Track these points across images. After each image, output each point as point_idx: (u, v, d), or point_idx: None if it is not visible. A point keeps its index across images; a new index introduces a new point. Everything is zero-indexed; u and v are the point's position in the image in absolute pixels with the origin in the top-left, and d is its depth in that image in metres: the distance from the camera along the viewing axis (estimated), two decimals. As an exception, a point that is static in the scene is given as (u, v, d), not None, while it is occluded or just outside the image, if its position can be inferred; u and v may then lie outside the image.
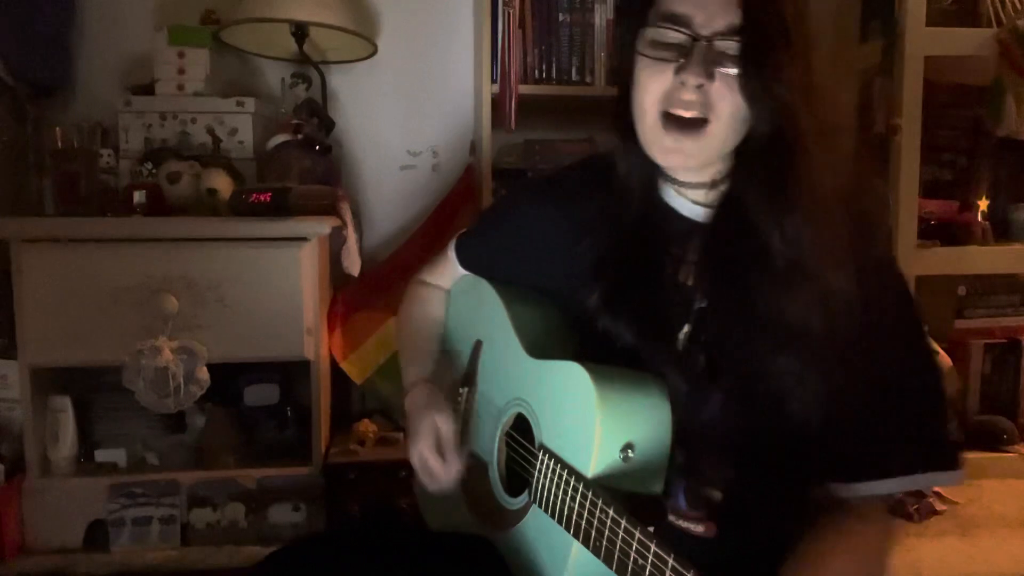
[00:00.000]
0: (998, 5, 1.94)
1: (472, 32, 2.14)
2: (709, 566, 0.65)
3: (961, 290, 2.12)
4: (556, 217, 0.97)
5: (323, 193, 1.75)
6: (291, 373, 1.80)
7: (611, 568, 0.73)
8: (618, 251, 0.89)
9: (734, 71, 0.78)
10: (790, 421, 0.81)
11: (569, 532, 0.79)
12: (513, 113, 1.90)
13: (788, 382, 0.80)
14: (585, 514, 0.76)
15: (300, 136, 1.84)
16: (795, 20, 0.78)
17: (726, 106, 0.79)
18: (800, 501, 0.85)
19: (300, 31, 1.89)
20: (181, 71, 1.87)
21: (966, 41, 1.92)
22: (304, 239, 1.64)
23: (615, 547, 0.73)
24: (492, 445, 0.97)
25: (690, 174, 0.87)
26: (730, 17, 0.78)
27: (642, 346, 0.85)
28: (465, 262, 1.10)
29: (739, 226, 0.82)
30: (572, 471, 0.79)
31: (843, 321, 0.79)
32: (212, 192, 1.68)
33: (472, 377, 1.05)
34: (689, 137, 0.80)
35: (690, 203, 0.88)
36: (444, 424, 0.96)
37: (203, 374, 1.58)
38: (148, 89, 1.88)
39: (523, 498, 0.89)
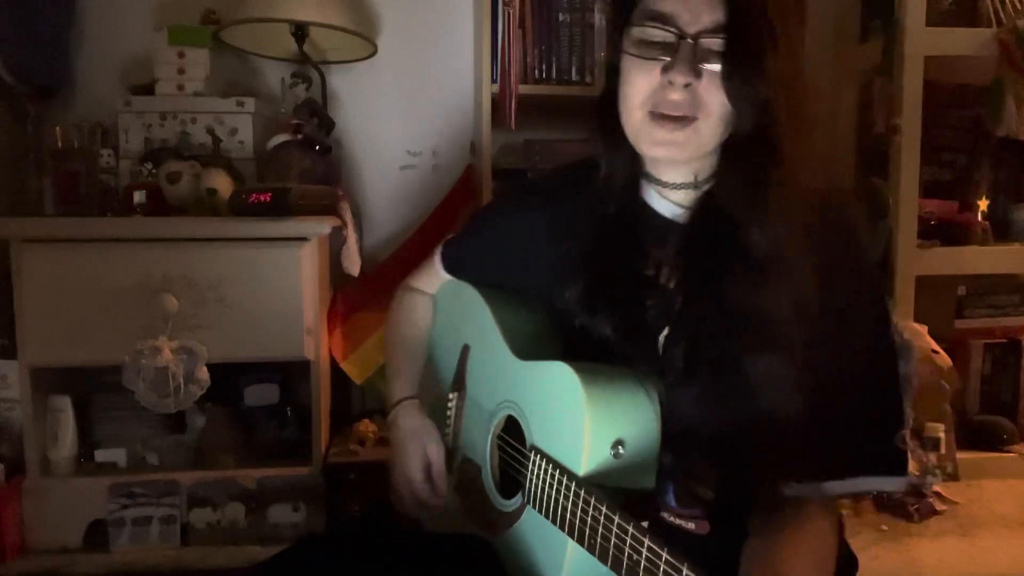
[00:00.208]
0: (998, 5, 1.94)
1: (472, 32, 2.14)
2: (703, 562, 0.65)
3: (961, 290, 2.12)
4: (539, 220, 0.97)
5: (323, 193, 1.75)
6: (291, 373, 1.80)
7: (607, 565, 0.73)
8: (598, 251, 0.89)
9: (720, 68, 0.78)
10: (770, 419, 0.81)
11: (564, 531, 0.79)
12: (513, 113, 1.90)
13: (766, 380, 0.80)
14: (579, 512, 0.77)
15: (300, 136, 1.84)
16: (780, 16, 0.78)
17: (715, 103, 0.79)
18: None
19: (300, 31, 1.89)
20: (181, 71, 1.87)
21: (966, 41, 1.92)
22: (304, 239, 1.64)
23: (609, 544, 0.73)
24: (484, 448, 0.97)
25: (675, 173, 0.87)
26: (715, 14, 0.78)
27: (624, 348, 0.85)
28: (450, 268, 1.11)
29: (717, 226, 0.82)
30: (564, 470, 0.80)
31: (817, 319, 0.80)
32: (212, 192, 1.68)
33: (461, 382, 1.06)
34: (679, 130, 0.80)
35: (672, 205, 0.88)
36: (435, 452, 1.01)
37: (203, 374, 1.58)
38: (148, 89, 1.88)
39: (517, 500, 0.89)
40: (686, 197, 0.87)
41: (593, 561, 0.75)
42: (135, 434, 1.72)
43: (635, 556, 0.70)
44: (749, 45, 0.77)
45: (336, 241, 1.86)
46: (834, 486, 0.84)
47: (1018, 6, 1.94)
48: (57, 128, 1.74)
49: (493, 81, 1.93)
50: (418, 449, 1.02)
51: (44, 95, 1.94)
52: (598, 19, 1.99)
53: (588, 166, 0.93)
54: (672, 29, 0.79)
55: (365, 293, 1.92)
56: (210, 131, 1.85)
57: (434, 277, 1.14)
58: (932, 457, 1.81)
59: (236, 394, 1.80)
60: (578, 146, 2.17)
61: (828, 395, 0.81)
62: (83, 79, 2.02)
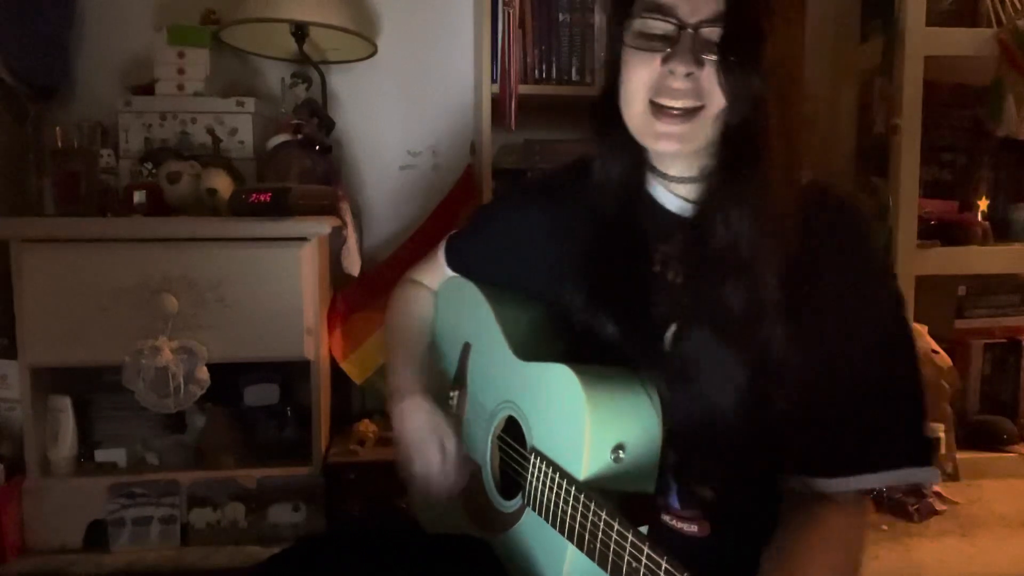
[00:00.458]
0: (998, 5, 1.94)
1: (472, 32, 2.14)
2: (703, 565, 0.65)
3: (961, 290, 2.12)
4: (542, 219, 0.97)
5: (323, 193, 1.75)
6: (291, 373, 1.80)
7: (606, 571, 0.73)
8: (603, 249, 0.89)
9: (718, 57, 0.78)
10: (779, 416, 0.81)
11: (563, 535, 0.79)
12: (513, 113, 1.90)
13: (771, 378, 0.80)
14: (579, 517, 0.76)
15: (300, 136, 1.84)
16: (781, 9, 0.78)
17: (717, 92, 0.79)
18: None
19: (300, 31, 1.89)
20: (181, 71, 1.87)
21: (966, 41, 1.92)
22: (304, 239, 1.64)
23: (609, 550, 0.73)
24: (484, 448, 0.97)
25: (679, 166, 0.86)
26: (715, 4, 0.78)
27: (628, 345, 0.85)
28: (453, 264, 1.11)
29: (724, 220, 0.82)
30: (564, 474, 0.79)
31: (829, 312, 0.79)
32: (212, 192, 1.68)
33: (462, 380, 1.05)
34: (682, 123, 0.80)
35: (678, 199, 0.88)
36: (451, 445, 0.98)
37: (203, 374, 1.58)
38: (148, 89, 1.88)
39: (517, 501, 0.89)
40: (692, 191, 0.87)
41: (592, 566, 0.75)
42: (135, 434, 1.72)
43: (634, 564, 0.69)
44: (748, 34, 0.76)
45: (336, 241, 1.86)
46: (861, 480, 0.83)
47: (1018, 6, 1.93)
48: (57, 128, 1.74)
49: (493, 81, 1.93)
50: (435, 443, 0.99)
51: (44, 95, 1.94)
52: (598, 19, 1.99)
53: (591, 164, 0.93)
54: (672, 20, 0.79)
55: (365, 293, 1.92)
56: (210, 131, 1.85)
57: (437, 271, 1.14)
58: (936, 445, 1.81)
59: (236, 394, 1.80)
60: (578, 146, 2.19)
61: (847, 388, 0.81)
62: (83, 79, 2.02)
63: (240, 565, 1.54)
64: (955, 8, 1.98)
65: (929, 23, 1.90)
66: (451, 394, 1.07)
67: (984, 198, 2.07)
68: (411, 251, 1.97)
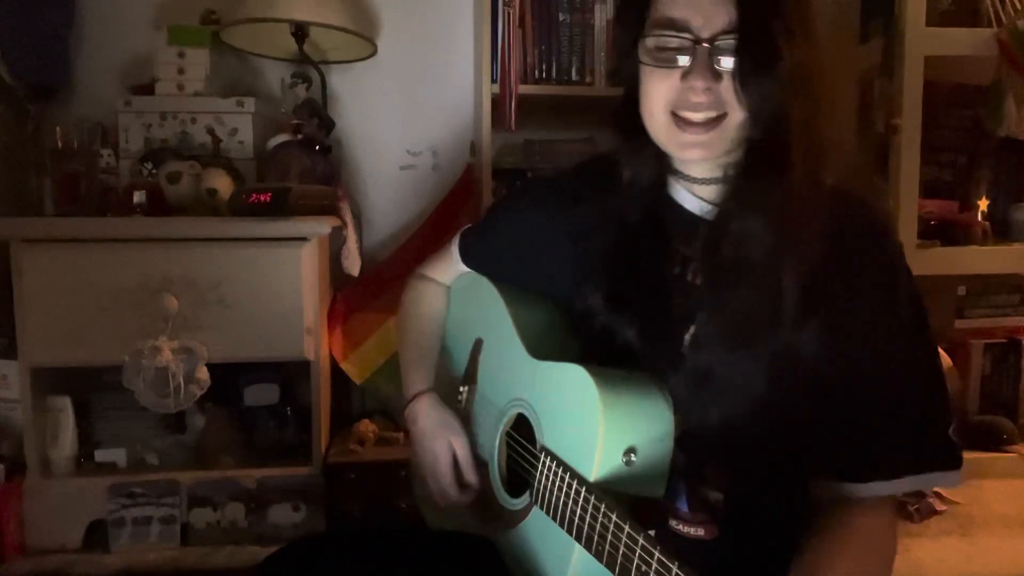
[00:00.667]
0: (998, 5, 1.94)
1: (472, 32, 2.14)
2: (709, 569, 0.65)
3: (961, 290, 2.12)
4: (559, 219, 0.96)
5: (323, 193, 1.75)
6: (291, 373, 1.80)
7: (614, 573, 0.73)
8: (623, 249, 0.89)
9: (735, 68, 0.78)
10: (792, 423, 0.81)
11: (571, 535, 0.79)
12: (513, 113, 1.90)
13: (790, 383, 0.80)
14: (588, 518, 0.76)
15: (300, 136, 1.84)
16: (795, 12, 0.78)
17: (738, 101, 0.79)
18: (802, 503, 0.85)
19: (300, 31, 1.89)
20: (181, 71, 1.87)
21: (966, 41, 1.92)
22: (304, 239, 1.64)
23: (618, 552, 0.72)
24: (492, 444, 0.97)
25: (704, 168, 0.86)
26: (728, 15, 0.77)
27: (646, 347, 0.85)
28: (467, 259, 1.10)
29: (746, 222, 0.82)
30: (574, 474, 0.79)
31: (851, 316, 0.79)
32: (212, 192, 1.68)
33: (472, 376, 1.05)
34: (706, 132, 0.80)
35: (699, 200, 0.88)
36: (461, 448, 0.99)
37: (203, 374, 1.58)
38: (148, 89, 1.88)
39: (524, 499, 0.89)
40: (715, 192, 0.87)
41: (599, 567, 0.75)
42: (135, 434, 1.72)
43: (644, 568, 0.69)
44: (764, 43, 0.76)
45: (336, 241, 1.86)
46: (897, 484, 0.84)
47: (1018, 6, 1.93)
48: (57, 128, 1.74)
49: (493, 81, 1.93)
50: (445, 444, 1.00)
51: (44, 95, 1.94)
52: (598, 19, 1.99)
53: (605, 164, 0.93)
54: (687, 35, 0.78)
55: (365, 293, 1.92)
56: (210, 131, 1.85)
57: (450, 267, 1.13)
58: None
59: (236, 394, 1.80)
60: (578, 146, 2.19)
61: (875, 395, 0.81)
62: (83, 79, 2.02)
63: (240, 565, 1.54)
64: (955, 8, 1.98)
65: (929, 23, 1.90)
66: (460, 389, 1.07)
67: (984, 198, 2.07)
68: (411, 251, 1.97)
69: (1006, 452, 1.98)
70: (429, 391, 1.06)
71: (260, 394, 1.81)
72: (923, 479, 0.85)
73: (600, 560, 0.75)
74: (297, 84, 1.97)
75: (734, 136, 0.81)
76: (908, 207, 1.92)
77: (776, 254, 0.80)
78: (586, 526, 0.77)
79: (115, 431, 1.72)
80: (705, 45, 0.77)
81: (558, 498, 0.81)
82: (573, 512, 0.78)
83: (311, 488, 1.65)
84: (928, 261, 1.94)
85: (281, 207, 1.57)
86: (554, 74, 1.98)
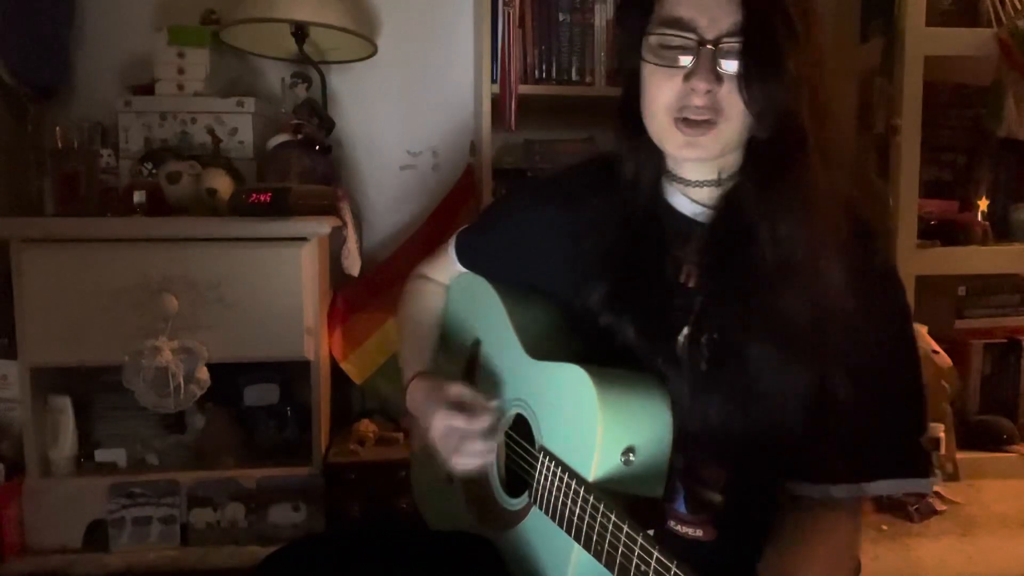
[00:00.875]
0: (998, 5, 1.94)
1: (472, 32, 2.14)
2: (709, 570, 0.65)
3: (961, 290, 2.12)
4: (557, 219, 0.96)
5: (323, 193, 1.75)
6: (291, 373, 1.80)
7: (613, 573, 0.73)
8: (620, 250, 0.89)
9: (738, 72, 0.78)
10: (788, 424, 0.81)
11: (570, 535, 0.79)
12: (513, 113, 1.90)
13: (785, 385, 0.80)
14: (586, 518, 0.76)
15: (300, 136, 1.84)
16: (800, 16, 0.78)
17: (736, 107, 0.79)
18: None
19: (300, 31, 1.89)
20: (181, 71, 1.87)
21: (966, 41, 1.92)
22: (304, 239, 1.64)
23: (617, 552, 0.73)
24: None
25: (699, 171, 0.86)
26: (733, 17, 0.77)
27: (642, 347, 0.85)
28: (464, 259, 1.10)
29: (739, 226, 0.82)
30: (573, 474, 0.79)
31: (840, 320, 0.80)
32: (212, 192, 1.68)
33: (471, 377, 1.05)
34: (703, 134, 0.80)
35: (693, 203, 0.88)
36: (455, 388, 0.92)
37: (203, 374, 1.58)
38: (148, 89, 1.88)
39: (523, 499, 0.89)
40: (709, 195, 0.87)
41: (598, 567, 0.75)
42: (135, 434, 1.72)
43: (643, 567, 0.69)
44: (768, 46, 0.76)
45: (336, 241, 1.86)
46: (864, 488, 0.84)
47: (1018, 6, 1.93)
48: (57, 128, 1.74)
49: (493, 81, 1.93)
50: (440, 395, 0.92)
51: (44, 95, 1.94)
52: (598, 19, 1.99)
53: (603, 165, 0.93)
54: (691, 36, 0.78)
55: (365, 293, 1.92)
56: (210, 131, 1.85)
57: (447, 266, 1.13)
58: (932, 457, 1.81)
59: (236, 394, 1.80)
60: (578, 146, 2.19)
61: (854, 397, 0.81)
62: (83, 79, 2.02)
63: (240, 565, 1.54)
64: (955, 8, 1.98)
65: (929, 23, 1.90)
66: None
67: (984, 198, 2.07)
68: (411, 251, 1.97)
69: (1006, 452, 1.98)
70: (421, 373, 1.02)
71: (260, 394, 1.81)
72: (895, 484, 0.86)
73: (599, 560, 0.75)
74: (297, 84, 1.97)
75: (730, 140, 0.81)
76: (908, 207, 1.92)
77: (771, 258, 0.80)
78: (585, 526, 0.77)
79: (115, 431, 1.72)
80: (709, 47, 0.77)
81: (557, 498, 0.81)
82: (572, 512, 0.79)
83: (311, 488, 1.65)
84: (928, 261, 1.94)
85: (281, 207, 1.57)
86: (554, 74, 1.98)
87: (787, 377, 0.80)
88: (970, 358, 2.09)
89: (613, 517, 0.73)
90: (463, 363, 1.07)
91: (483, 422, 0.88)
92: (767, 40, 0.76)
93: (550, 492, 0.82)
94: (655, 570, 0.68)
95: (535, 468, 0.86)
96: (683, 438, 0.82)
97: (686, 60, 0.79)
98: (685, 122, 0.80)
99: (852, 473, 0.84)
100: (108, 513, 1.59)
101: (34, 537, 1.58)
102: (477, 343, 1.05)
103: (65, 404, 1.65)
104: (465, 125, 2.17)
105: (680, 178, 0.88)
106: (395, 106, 2.17)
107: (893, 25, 1.91)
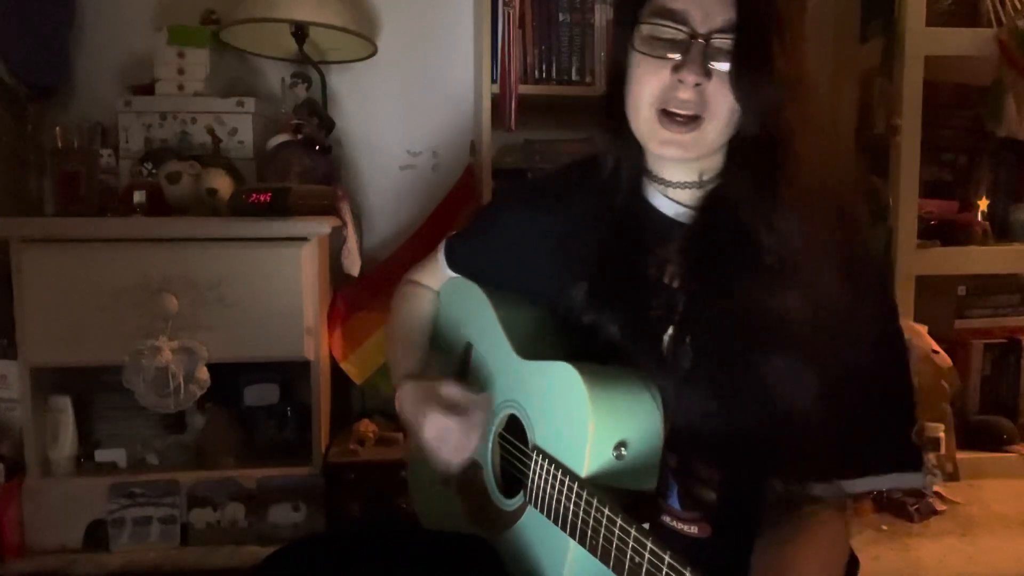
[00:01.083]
0: (998, 5, 1.94)
1: (472, 32, 2.14)
2: (704, 567, 0.65)
3: (961, 290, 2.12)
4: (542, 221, 0.97)
5: (323, 193, 1.75)
6: (291, 373, 1.80)
7: (609, 567, 0.73)
8: (603, 251, 0.89)
9: (730, 69, 0.78)
10: (776, 420, 0.81)
11: (566, 532, 0.79)
12: (513, 113, 1.90)
13: (773, 381, 0.80)
14: (581, 513, 0.77)
15: (300, 136, 1.84)
16: (790, 15, 0.78)
17: (722, 104, 0.79)
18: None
19: (300, 31, 1.89)
20: (181, 71, 1.87)
21: (966, 41, 1.92)
22: (304, 239, 1.64)
23: (612, 545, 0.73)
24: (486, 447, 0.97)
25: (680, 172, 0.86)
26: (727, 13, 0.77)
27: (627, 346, 0.85)
28: (453, 264, 1.11)
29: (723, 225, 0.82)
30: (566, 471, 0.80)
31: (826, 318, 0.80)
32: (212, 192, 1.68)
33: (463, 380, 1.05)
34: (687, 132, 0.80)
35: (674, 204, 0.88)
36: (445, 388, 0.92)
37: (203, 374, 1.58)
38: (148, 89, 1.88)
39: (518, 499, 0.89)
40: (690, 196, 0.87)
41: (595, 562, 0.75)
42: (135, 434, 1.72)
43: (637, 559, 0.70)
44: (760, 45, 0.76)
45: (336, 241, 1.86)
46: (853, 484, 0.84)
47: (1018, 6, 1.94)
48: (57, 128, 1.73)
49: (493, 81, 1.93)
50: (431, 397, 0.93)
51: (44, 95, 1.94)
52: (598, 19, 1.99)
53: (590, 165, 0.93)
54: (684, 28, 0.78)
55: (365, 293, 1.92)
56: (210, 131, 1.85)
57: (437, 272, 1.14)
58: (932, 457, 1.81)
59: (236, 394, 1.80)
60: (578, 146, 2.19)
61: (841, 394, 0.81)
62: (83, 79, 2.02)
63: (240, 565, 1.54)
64: (955, 8, 1.98)
65: (929, 23, 1.90)
66: None
67: (984, 198, 2.07)
68: (411, 251, 1.97)
69: (1006, 452, 1.98)
70: (409, 375, 1.01)
71: (260, 394, 1.81)
72: (884, 479, 0.86)
73: (595, 555, 0.75)
74: (297, 84, 1.97)
75: (712, 140, 0.81)
76: (908, 207, 1.92)
77: (755, 258, 0.80)
78: (579, 521, 0.77)
79: (115, 431, 1.72)
80: (701, 41, 0.77)
81: (551, 495, 0.81)
82: (567, 508, 0.79)
83: (311, 488, 1.65)
84: (928, 261, 1.94)
85: (281, 207, 1.57)
86: (554, 74, 1.98)
87: (772, 376, 0.80)
88: (970, 358, 2.09)
89: (607, 511, 0.73)
90: (455, 367, 1.07)
91: (476, 418, 0.90)
92: (759, 38, 0.76)
93: (544, 490, 0.83)
94: (649, 561, 0.68)
95: (529, 467, 0.86)
96: (674, 435, 0.82)
97: (676, 53, 0.79)
98: (669, 117, 0.80)
99: (840, 470, 0.83)
100: (108, 513, 1.59)
101: (34, 537, 1.58)
102: (468, 347, 1.05)
103: (65, 404, 1.65)
104: (465, 125, 2.17)
105: (661, 179, 0.88)
106: (395, 106, 2.17)
107: (893, 25, 1.91)
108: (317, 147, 1.86)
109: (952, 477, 1.89)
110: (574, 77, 1.99)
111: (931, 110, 1.93)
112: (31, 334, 1.56)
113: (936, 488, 1.79)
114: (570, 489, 0.78)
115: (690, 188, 0.87)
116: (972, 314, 2.14)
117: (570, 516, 0.78)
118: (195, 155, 1.79)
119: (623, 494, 0.78)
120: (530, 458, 0.86)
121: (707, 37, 0.77)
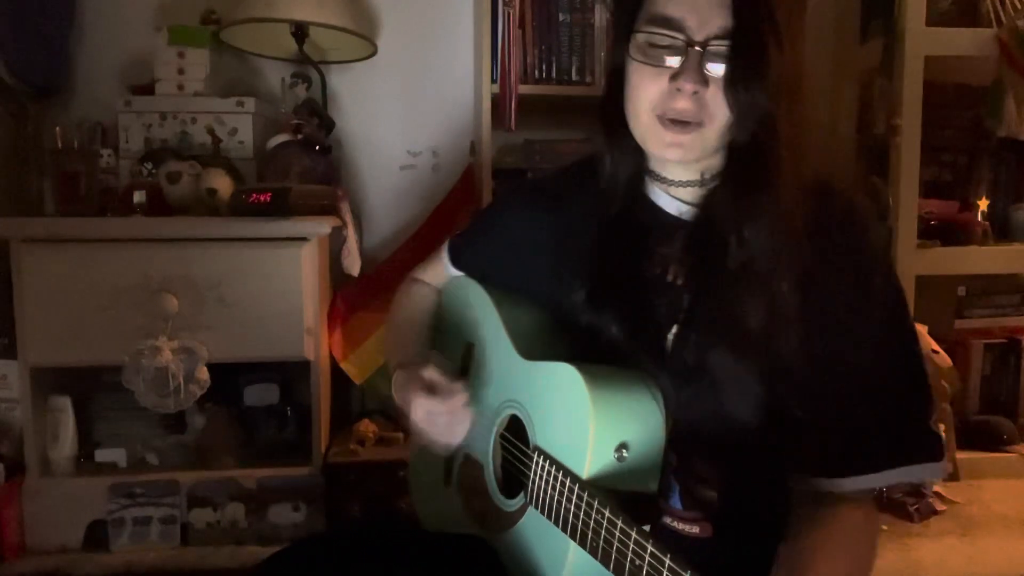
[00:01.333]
0: (998, 5, 1.95)
1: (472, 32, 2.14)
2: (705, 567, 0.65)
3: (961, 290, 2.12)
4: (544, 220, 0.97)
5: (323, 193, 1.75)
6: (291, 373, 1.80)
7: (609, 569, 0.73)
8: (604, 250, 0.89)
9: (725, 75, 0.78)
10: (780, 419, 0.81)
11: (566, 533, 0.79)
12: (513, 113, 1.90)
13: (776, 378, 0.80)
14: (581, 515, 0.76)
15: (300, 136, 1.84)
16: (787, 19, 0.78)
17: (721, 110, 0.79)
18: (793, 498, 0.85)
19: (300, 31, 1.89)
20: (181, 71, 1.87)
21: (966, 41, 1.92)
22: (304, 239, 1.64)
23: (612, 548, 0.73)
24: (487, 447, 0.97)
25: (682, 171, 0.86)
26: (723, 19, 0.77)
27: (630, 345, 0.85)
28: (457, 263, 1.11)
29: (725, 225, 0.82)
30: (567, 472, 0.79)
31: (832, 312, 0.80)
32: (212, 192, 1.68)
33: (465, 380, 1.05)
34: (687, 134, 0.80)
35: (677, 201, 0.88)
36: (426, 372, 0.92)
37: (203, 374, 1.58)
38: (148, 89, 1.88)
39: (519, 499, 0.89)
40: (693, 194, 0.87)
41: (595, 564, 0.75)
42: (135, 434, 1.72)
43: (637, 561, 0.69)
44: (756, 51, 0.76)
45: (336, 241, 1.87)
46: (878, 478, 0.83)
47: (1018, 6, 1.94)
48: (57, 128, 1.74)
49: (493, 81, 1.93)
50: (415, 379, 0.93)
51: (44, 95, 1.94)
52: (598, 19, 1.99)
53: (591, 165, 0.93)
54: (680, 35, 0.78)
55: (365, 293, 1.92)
56: (210, 131, 1.85)
57: (441, 270, 1.14)
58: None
59: (236, 394, 1.80)
60: (578, 146, 2.19)
61: (852, 388, 0.81)
62: (83, 79, 2.02)
63: (240, 565, 1.55)
64: (955, 8, 1.98)
65: (929, 23, 1.90)
66: None
67: (984, 198, 2.07)
68: (411, 251, 1.97)
69: (1006, 452, 1.98)
70: (401, 364, 1.01)
71: (260, 394, 1.81)
72: (905, 471, 0.84)
73: (595, 556, 0.75)
74: (297, 84, 1.97)
75: (714, 141, 0.81)
76: (908, 207, 1.93)
77: (761, 260, 0.80)
78: (580, 523, 0.77)
79: (115, 431, 1.72)
80: (697, 48, 0.77)
81: (552, 496, 0.81)
82: (567, 510, 0.79)
83: (311, 488, 1.65)
84: (928, 261, 1.94)
85: (281, 207, 1.57)
86: (554, 74, 1.98)
87: (775, 373, 0.80)
88: (970, 358, 2.09)
89: (607, 513, 0.73)
90: (456, 367, 1.07)
91: (458, 401, 0.91)
92: (755, 44, 0.76)
93: (545, 491, 0.82)
94: (649, 564, 0.68)
95: (530, 468, 0.86)
96: (675, 435, 0.82)
97: (673, 60, 0.79)
98: (668, 122, 0.80)
99: (861, 465, 0.83)
100: (108, 513, 1.59)
101: (34, 537, 1.58)
102: (470, 346, 1.05)
103: (65, 404, 1.65)
104: (465, 125, 2.17)
105: (663, 178, 0.88)
106: (395, 106, 2.17)
107: (893, 25, 1.91)
108: (317, 147, 1.86)
109: (952, 477, 1.89)
110: (574, 77, 1.99)
111: (931, 110, 1.93)
112: (31, 334, 1.56)
113: (936, 488, 1.79)
114: (571, 491, 0.78)
115: (692, 186, 0.87)
116: (972, 314, 2.14)
117: (570, 518, 0.78)
118: (195, 155, 1.79)
119: (624, 496, 0.78)
120: (531, 459, 0.86)
121: (704, 44, 0.77)
